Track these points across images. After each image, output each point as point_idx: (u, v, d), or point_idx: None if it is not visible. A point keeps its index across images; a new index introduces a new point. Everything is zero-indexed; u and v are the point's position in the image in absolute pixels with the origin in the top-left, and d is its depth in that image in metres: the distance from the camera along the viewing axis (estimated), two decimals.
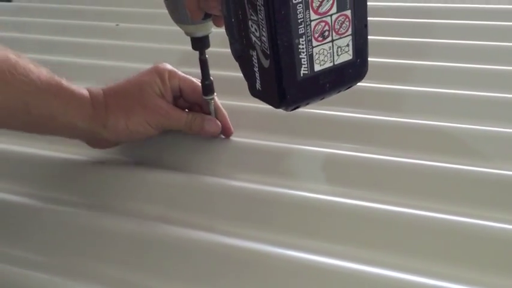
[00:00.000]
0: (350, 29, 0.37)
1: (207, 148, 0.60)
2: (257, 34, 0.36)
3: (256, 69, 0.37)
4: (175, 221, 0.51)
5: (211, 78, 0.58)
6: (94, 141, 0.59)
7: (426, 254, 0.44)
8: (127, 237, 0.50)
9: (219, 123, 0.59)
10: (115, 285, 0.46)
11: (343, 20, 0.36)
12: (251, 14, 0.35)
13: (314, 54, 0.36)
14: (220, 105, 0.61)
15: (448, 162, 0.53)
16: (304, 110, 0.63)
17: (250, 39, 0.37)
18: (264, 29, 0.35)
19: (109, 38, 0.92)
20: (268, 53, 0.35)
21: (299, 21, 0.34)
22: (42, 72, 0.51)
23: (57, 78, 0.53)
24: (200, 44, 0.56)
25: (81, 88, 0.55)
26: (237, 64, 0.72)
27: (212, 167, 0.58)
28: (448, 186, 0.51)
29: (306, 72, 0.36)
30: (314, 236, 0.47)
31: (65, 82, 0.53)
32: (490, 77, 0.68)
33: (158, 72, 0.57)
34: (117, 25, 0.97)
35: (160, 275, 0.46)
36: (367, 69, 0.39)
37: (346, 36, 0.37)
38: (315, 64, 0.36)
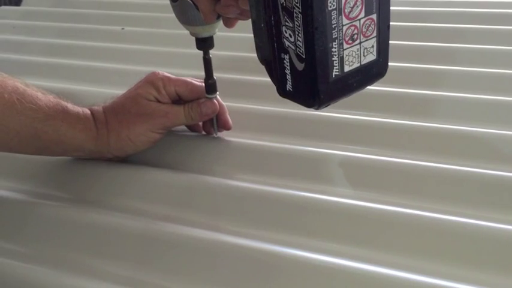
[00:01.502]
0: (375, 31, 0.39)
1: (210, 149, 0.62)
2: (291, 39, 0.38)
3: (288, 71, 0.40)
4: (178, 220, 0.52)
5: (215, 77, 0.60)
6: (104, 158, 0.60)
7: (441, 256, 0.46)
8: (128, 234, 0.51)
9: (215, 102, 0.60)
10: (117, 281, 0.47)
11: (369, 23, 0.39)
12: (286, 21, 0.37)
13: (344, 56, 0.38)
14: (221, 101, 0.62)
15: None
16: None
17: (283, 43, 0.39)
18: (300, 35, 0.37)
19: (115, 42, 0.93)
20: (304, 56, 0.37)
21: (333, 26, 0.37)
22: (49, 99, 0.54)
23: (63, 103, 0.55)
24: (205, 44, 0.58)
25: (85, 110, 0.57)
26: (238, 67, 0.74)
27: (215, 167, 0.60)
28: (449, 187, 0.53)
29: (337, 73, 0.39)
30: (318, 236, 0.49)
31: (70, 106, 0.56)
32: (492, 80, 0.70)
33: (152, 83, 0.58)
34: (122, 29, 0.98)
35: (163, 272, 0.48)
36: (388, 67, 0.42)
37: (371, 38, 0.39)
38: (345, 65, 0.39)
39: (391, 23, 0.40)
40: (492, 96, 0.67)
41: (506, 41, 0.80)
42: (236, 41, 0.78)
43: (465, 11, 0.94)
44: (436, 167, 0.55)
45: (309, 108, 0.40)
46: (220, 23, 0.55)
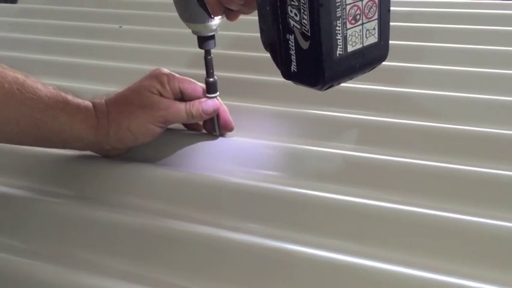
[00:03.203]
0: (376, 14, 0.41)
1: (210, 146, 0.62)
2: (297, 18, 0.39)
3: (292, 52, 0.41)
4: (178, 216, 0.53)
5: (215, 77, 0.61)
6: (103, 151, 0.61)
7: (441, 252, 0.47)
8: (127, 230, 0.52)
9: (216, 100, 0.61)
10: (117, 276, 0.48)
11: (371, 5, 0.40)
12: (292, 0, 0.39)
13: (348, 35, 0.40)
14: (221, 101, 0.63)
15: (446, 162, 0.55)
16: (303, 110, 0.65)
17: (288, 23, 0.40)
18: (305, 13, 0.38)
19: (112, 40, 0.94)
20: (309, 34, 0.39)
21: (337, 4, 0.38)
22: (49, 90, 0.54)
23: (63, 94, 0.56)
24: (207, 43, 0.59)
25: (85, 101, 0.57)
26: (240, 66, 0.74)
27: (215, 164, 0.60)
28: (448, 185, 0.53)
29: (341, 52, 0.40)
30: (320, 232, 0.50)
31: (70, 97, 0.56)
32: (486, 80, 0.72)
33: (157, 77, 0.59)
34: (120, 27, 0.99)
35: (163, 267, 0.48)
36: (388, 51, 0.43)
37: (373, 20, 0.41)
38: (348, 45, 0.40)
39: None
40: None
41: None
42: (234, 39, 0.80)
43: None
44: (434, 165, 0.55)
45: (313, 88, 0.41)
46: (222, 21, 0.57)
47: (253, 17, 0.52)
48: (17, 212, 0.55)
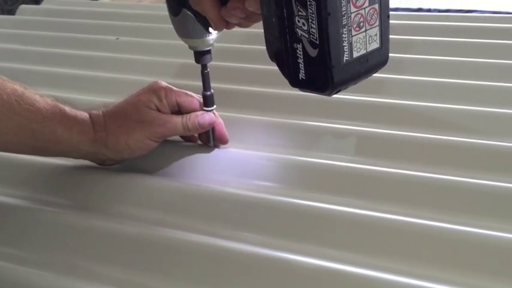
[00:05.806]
0: (378, 21, 0.43)
1: (206, 158, 0.63)
2: (305, 28, 0.41)
3: (300, 60, 0.43)
4: (175, 226, 0.54)
5: (212, 90, 0.62)
6: (99, 160, 0.62)
7: (439, 262, 0.48)
8: (125, 239, 0.53)
9: (211, 114, 0.62)
10: (115, 284, 0.48)
11: (372, 12, 0.43)
12: (299, 11, 0.41)
13: (353, 42, 0.42)
14: (217, 114, 0.64)
15: (441, 173, 0.56)
16: (296, 121, 0.67)
17: (296, 33, 0.42)
18: (314, 22, 0.40)
19: (109, 51, 0.94)
20: (317, 42, 0.41)
21: (343, 13, 0.40)
22: (47, 102, 0.55)
23: (60, 106, 0.57)
24: (204, 57, 0.60)
25: (83, 113, 0.58)
26: (234, 77, 0.76)
27: (212, 176, 0.61)
28: (441, 195, 0.54)
29: (348, 58, 0.42)
30: (312, 241, 0.51)
31: (68, 109, 0.57)
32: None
33: (154, 91, 0.60)
34: (117, 39, 1.00)
35: (160, 275, 0.49)
36: (389, 55, 0.45)
37: (375, 26, 0.43)
38: (353, 51, 0.42)
39: None
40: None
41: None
42: (231, 51, 0.81)
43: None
44: (433, 177, 0.56)
45: (321, 94, 0.43)
46: (218, 35, 0.58)
47: (248, 30, 0.53)
48: (16, 221, 0.56)
